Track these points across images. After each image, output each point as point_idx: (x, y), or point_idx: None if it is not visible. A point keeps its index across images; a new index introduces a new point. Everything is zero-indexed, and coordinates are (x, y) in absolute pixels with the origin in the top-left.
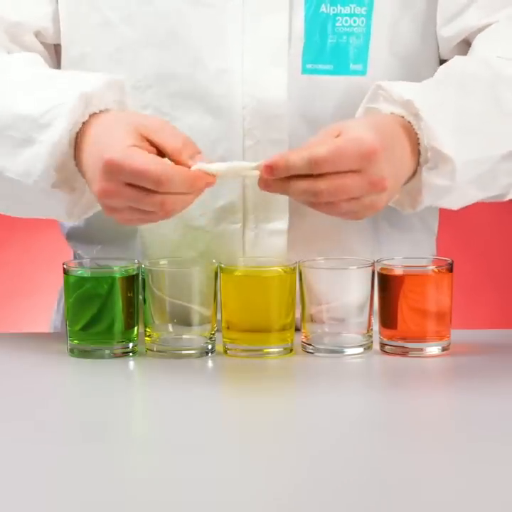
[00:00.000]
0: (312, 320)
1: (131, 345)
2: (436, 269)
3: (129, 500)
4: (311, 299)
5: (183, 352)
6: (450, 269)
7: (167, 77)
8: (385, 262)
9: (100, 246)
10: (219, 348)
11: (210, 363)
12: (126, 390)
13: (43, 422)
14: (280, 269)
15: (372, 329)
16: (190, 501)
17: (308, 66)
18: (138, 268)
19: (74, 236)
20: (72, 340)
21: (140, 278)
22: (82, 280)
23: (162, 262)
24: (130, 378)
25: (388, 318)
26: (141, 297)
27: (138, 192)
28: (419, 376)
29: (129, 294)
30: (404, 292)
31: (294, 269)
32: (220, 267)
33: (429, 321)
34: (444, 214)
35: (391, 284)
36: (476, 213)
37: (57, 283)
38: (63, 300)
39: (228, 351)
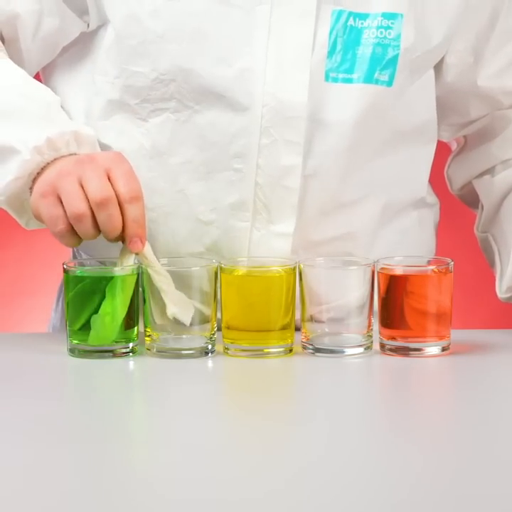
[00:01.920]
0: (312, 320)
1: (131, 345)
2: (436, 269)
3: (129, 500)
4: (311, 298)
5: (183, 352)
6: (450, 269)
7: (190, 72)
8: (385, 262)
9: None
10: (219, 348)
11: (210, 363)
12: (126, 390)
13: (43, 422)
14: (280, 269)
15: (372, 329)
16: (191, 501)
17: (332, 74)
18: (138, 268)
19: None
20: (72, 340)
21: (140, 278)
22: (82, 280)
23: (162, 261)
24: (130, 378)
25: (388, 318)
26: (140, 297)
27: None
28: (419, 376)
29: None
30: (404, 292)
31: (294, 269)
32: (220, 267)
33: (430, 321)
34: (444, 214)
35: (391, 284)
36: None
37: (57, 283)
38: (62, 300)
39: (228, 351)
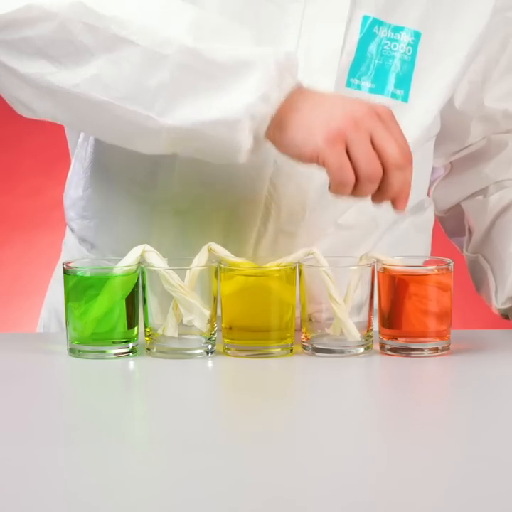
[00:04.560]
0: (312, 320)
1: (131, 345)
2: (436, 269)
3: (128, 500)
4: (310, 298)
5: (183, 352)
6: (450, 269)
7: None
8: (385, 262)
9: (106, 220)
10: (219, 348)
11: (210, 363)
12: (126, 390)
13: (43, 422)
14: (280, 269)
15: (372, 329)
16: (190, 501)
17: (353, 81)
18: (138, 268)
19: (77, 208)
20: (72, 340)
21: (140, 278)
22: (82, 280)
23: (163, 262)
24: (130, 378)
25: (388, 318)
26: (141, 297)
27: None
28: (419, 376)
29: (129, 294)
30: (404, 292)
31: (294, 269)
32: (220, 267)
33: (430, 320)
34: None
35: (391, 284)
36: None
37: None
38: (52, 297)
39: (228, 351)
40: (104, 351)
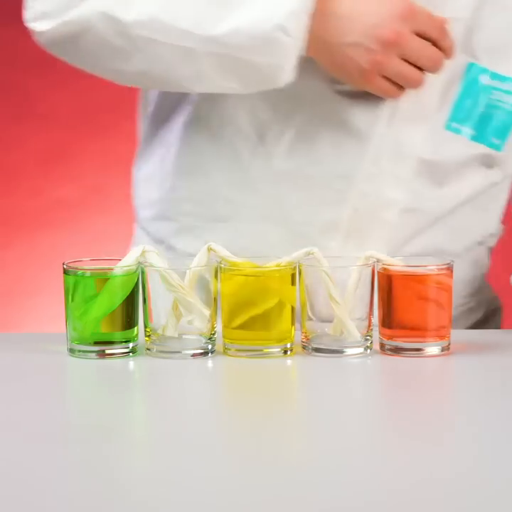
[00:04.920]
0: (312, 320)
1: (131, 345)
2: (436, 269)
3: (128, 501)
4: (311, 298)
5: (183, 352)
6: (450, 269)
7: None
8: (385, 262)
9: (190, 224)
10: (219, 348)
11: (210, 363)
12: (126, 390)
13: (43, 422)
14: (280, 269)
15: (372, 329)
16: (190, 502)
17: (453, 125)
18: (138, 268)
19: (156, 215)
20: (72, 340)
21: (140, 278)
22: (81, 280)
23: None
24: (130, 378)
25: (388, 318)
26: (141, 297)
27: (422, 41)
28: (419, 376)
29: (129, 294)
30: (404, 292)
31: (294, 269)
32: (220, 267)
33: (430, 321)
34: None
35: (391, 284)
36: None
37: (57, 283)
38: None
39: (228, 351)
40: (103, 351)
